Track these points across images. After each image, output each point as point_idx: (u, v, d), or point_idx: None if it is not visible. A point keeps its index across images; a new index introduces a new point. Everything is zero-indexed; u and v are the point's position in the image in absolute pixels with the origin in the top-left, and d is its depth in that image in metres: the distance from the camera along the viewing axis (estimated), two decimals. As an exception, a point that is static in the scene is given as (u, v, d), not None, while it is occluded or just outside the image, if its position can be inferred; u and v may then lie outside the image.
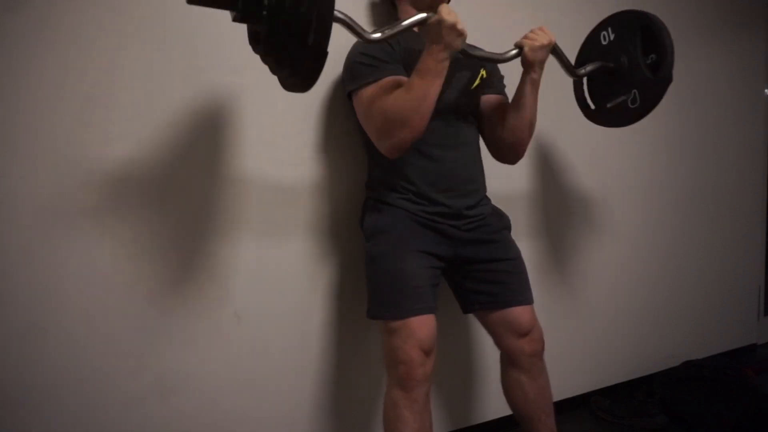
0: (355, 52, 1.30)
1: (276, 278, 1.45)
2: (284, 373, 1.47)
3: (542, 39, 1.28)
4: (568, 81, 1.99)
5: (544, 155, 1.95)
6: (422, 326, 1.23)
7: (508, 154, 1.42)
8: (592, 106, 1.52)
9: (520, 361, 1.36)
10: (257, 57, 1.39)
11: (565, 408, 1.94)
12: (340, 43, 1.38)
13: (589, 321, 2.08)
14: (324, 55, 0.86)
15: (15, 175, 1.15)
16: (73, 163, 1.20)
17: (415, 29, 1.34)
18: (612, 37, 1.43)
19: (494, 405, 1.79)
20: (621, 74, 1.39)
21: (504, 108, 1.39)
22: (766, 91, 2.70)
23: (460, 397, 1.80)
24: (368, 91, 1.24)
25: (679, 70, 2.33)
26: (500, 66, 1.50)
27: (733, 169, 2.54)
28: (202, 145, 1.35)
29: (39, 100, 1.17)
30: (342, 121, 1.52)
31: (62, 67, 1.19)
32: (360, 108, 1.28)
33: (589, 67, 1.43)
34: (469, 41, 1.28)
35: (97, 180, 1.23)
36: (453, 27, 1.12)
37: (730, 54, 2.52)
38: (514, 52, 1.29)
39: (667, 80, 1.35)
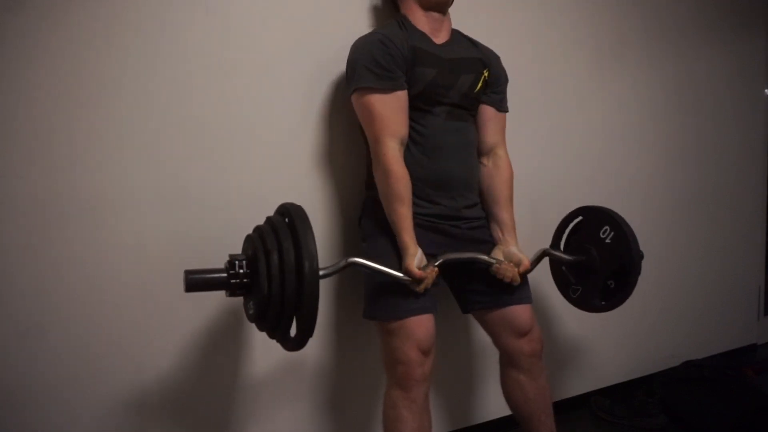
0: (363, 53, 1.28)
1: (276, 278, 1.45)
2: (284, 373, 1.47)
3: (505, 279, 1.31)
4: (569, 82, 2.00)
5: (544, 155, 1.95)
6: (420, 326, 1.23)
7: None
8: (573, 294, 1.58)
9: (520, 361, 1.36)
10: (258, 57, 1.40)
11: (565, 408, 1.94)
12: (339, 44, 1.39)
13: (589, 321, 2.07)
14: (313, 324, 0.95)
15: (15, 175, 1.15)
16: (73, 163, 1.20)
17: (418, 26, 1.34)
18: (585, 229, 1.52)
19: (494, 405, 1.78)
20: (591, 269, 1.46)
21: (498, 119, 1.44)
22: (766, 91, 2.69)
23: (459, 397, 1.80)
24: (371, 99, 1.25)
25: (679, 70, 2.35)
26: (503, 65, 1.50)
27: (733, 170, 2.54)
28: (202, 146, 1.35)
29: (39, 100, 1.17)
30: (342, 121, 1.52)
31: (62, 66, 1.19)
32: (358, 109, 1.29)
33: (564, 257, 1.49)
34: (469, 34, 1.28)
35: (96, 180, 1.23)
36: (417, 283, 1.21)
37: (730, 54, 2.52)
38: (490, 261, 1.32)
39: (640, 259, 1.43)
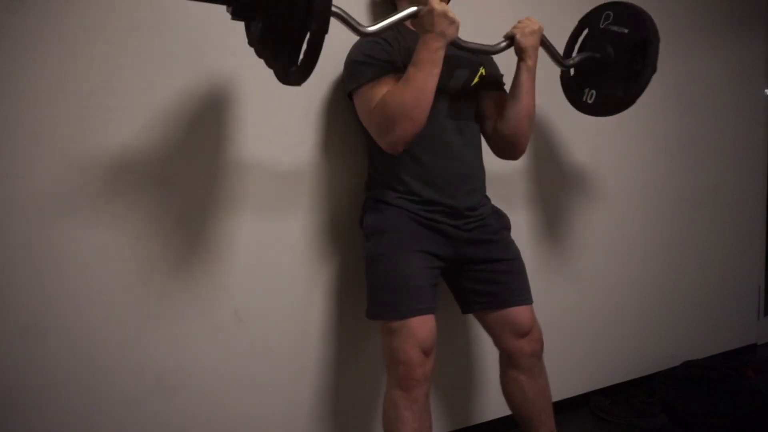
0: (355, 52, 1.30)
1: (276, 278, 1.45)
2: (284, 373, 1.47)
3: (532, 25, 1.32)
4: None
5: (543, 156, 1.95)
6: (422, 326, 1.23)
7: (509, 148, 1.42)
8: (589, 100, 1.53)
9: (520, 361, 1.36)
10: (257, 58, 1.40)
11: (565, 408, 1.94)
12: (339, 44, 1.38)
13: (589, 321, 2.08)
14: (320, 46, 0.86)
15: (15, 175, 1.15)
16: (73, 163, 1.20)
17: (411, 26, 1.34)
18: (609, 21, 1.44)
19: (494, 405, 1.79)
20: (607, 65, 1.40)
21: (503, 102, 1.40)
22: (766, 91, 2.70)
23: (460, 397, 1.80)
24: (368, 89, 1.24)
25: (679, 70, 2.35)
26: (499, 64, 1.51)
27: (733, 170, 2.54)
28: (202, 147, 1.35)
29: (39, 100, 1.17)
30: (342, 121, 1.52)
31: (62, 66, 1.19)
32: (361, 106, 1.28)
33: (576, 58, 1.45)
34: (468, 39, 1.28)
35: (96, 180, 1.23)
36: (444, 14, 1.14)
37: (730, 54, 2.52)
38: (505, 43, 1.32)
39: (652, 71, 1.35)
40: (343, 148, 1.53)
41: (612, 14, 1.39)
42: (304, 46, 0.88)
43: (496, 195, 1.48)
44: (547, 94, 1.93)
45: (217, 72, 1.36)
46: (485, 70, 1.42)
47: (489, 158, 1.47)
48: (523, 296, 1.37)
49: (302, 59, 0.88)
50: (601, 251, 2.11)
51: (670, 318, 2.32)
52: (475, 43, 1.29)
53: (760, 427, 1.76)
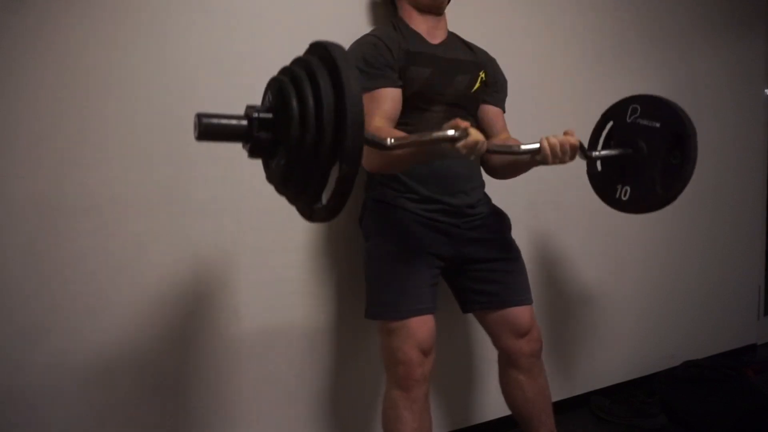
0: (355, 54, 1.29)
1: (276, 278, 1.45)
2: (284, 373, 1.47)
3: (564, 158, 1.17)
4: (569, 82, 2.00)
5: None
6: (421, 326, 1.23)
7: (499, 177, 1.45)
8: (624, 197, 1.39)
9: (519, 361, 1.36)
10: (257, 58, 1.40)
11: (565, 408, 1.94)
12: (339, 41, 1.39)
13: (589, 321, 2.08)
14: (351, 187, 0.76)
15: (15, 175, 1.15)
16: (74, 163, 1.21)
17: (417, 26, 1.34)
18: (637, 115, 1.35)
19: (494, 405, 1.79)
20: (641, 160, 1.30)
21: (498, 120, 1.42)
22: (766, 91, 2.69)
23: (459, 397, 1.80)
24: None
25: (679, 70, 2.35)
26: (504, 65, 1.50)
27: (733, 170, 2.54)
28: (203, 148, 1.35)
29: (39, 100, 1.17)
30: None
31: (62, 66, 1.19)
32: None
33: (604, 153, 1.34)
34: (468, 39, 1.28)
35: (97, 179, 1.23)
36: (480, 149, 1.02)
37: (730, 54, 2.52)
38: (534, 147, 1.18)
39: (693, 164, 1.26)
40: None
41: (639, 108, 1.33)
42: (330, 182, 0.78)
43: (497, 195, 1.48)
44: (544, 90, 1.94)
45: (218, 68, 1.36)
46: (486, 74, 1.41)
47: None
48: (523, 296, 1.36)
49: (331, 198, 0.78)
50: (601, 251, 2.10)
51: (670, 318, 2.32)
52: (504, 145, 1.21)
53: (760, 427, 1.76)
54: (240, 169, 1.40)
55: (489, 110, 1.42)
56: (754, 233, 2.67)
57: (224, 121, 0.76)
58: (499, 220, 1.42)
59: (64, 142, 1.20)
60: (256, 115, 0.77)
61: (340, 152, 0.73)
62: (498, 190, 1.51)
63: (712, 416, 1.83)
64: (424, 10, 1.36)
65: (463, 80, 1.35)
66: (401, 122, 1.28)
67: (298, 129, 0.74)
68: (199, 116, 0.74)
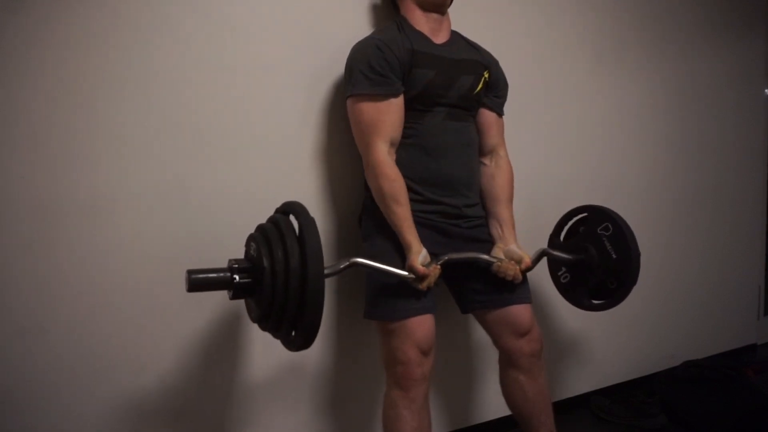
0: (359, 57, 1.29)
1: (276, 278, 1.45)
2: (284, 373, 1.47)
3: (506, 278, 1.30)
4: (570, 82, 2.00)
5: (543, 156, 1.95)
6: (420, 326, 1.23)
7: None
8: (563, 280, 1.63)
9: (519, 361, 1.36)
10: (258, 57, 1.40)
11: (565, 408, 1.94)
12: (340, 44, 1.39)
13: (589, 321, 2.08)
14: (317, 325, 0.94)
15: (15, 175, 1.15)
16: (73, 163, 1.20)
17: (420, 26, 1.35)
18: (602, 231, 1.51)
19: (494, 405, 1.79)
20: (593, 263, 1.47)
21: (497, 127, 1.45)
22: (766, 91, 2.69)
23: (459, 397, 1.80)
24: (361, 102, 1.25)
25: (679, 70, 2.35)
26: (504, 66, 1.50)
27: (733, 169, 2.54)
28: (203, 146, 1.35)
29: (39, 100, 1.17)
30: (342, 120, 1.51)
31: (62, 66, 1.19)
32: (351, 113, 1.30)
33: (557, 253, 1.49)
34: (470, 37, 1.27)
35: (97, 179, 1.23)
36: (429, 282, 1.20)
37: (730, 54, 2.52)
38: (491, 260, 1.31)
39: (620, 299, 1.49)
40: (341, 147, 1.53)
41: (611, 229, 1.46)
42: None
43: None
44: (545, 89, 1.94)
45: (218, 67, 1.36)
46: (489, 75, 1.41)
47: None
48: (523, 296, 1.36)
49: (300, 334, 0.96)
50: (601, 251, 2.10)
51: (670, 318, 2.32)
52: (464, 255, 1.30)
53: (760, 427, 1.76)
54: (240, 170, 1.40)
55: (487, 116, 1.43)
56: (754, 233, 2.67)
57: (210, 275, 0.94)
58: (499, 220, 1.42)
59: (64, 142, 1.19)
60: (236, 272, 0.96)
61: (303, 304, 0.92)
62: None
63: (712, 416, 1.83)
64: (427, 8, 1.36)
65: (467, 81, 1.35)
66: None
67: (270, 280, 0.93)
68: (189, 272, 0.93)
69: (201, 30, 1.34)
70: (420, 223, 1.30)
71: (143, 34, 1.27)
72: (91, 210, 1.22)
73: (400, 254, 1.27)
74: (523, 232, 1.53)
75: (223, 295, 1.36)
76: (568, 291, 1.59)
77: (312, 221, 0.96)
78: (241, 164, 1.40)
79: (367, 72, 1.25)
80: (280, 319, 0.96)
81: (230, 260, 0.98)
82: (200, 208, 1.35)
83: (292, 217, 1.01)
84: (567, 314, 2.01)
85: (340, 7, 1.52)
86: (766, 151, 2.70)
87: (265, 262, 0.93)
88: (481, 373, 1.81)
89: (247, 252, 1.04)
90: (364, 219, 1.38)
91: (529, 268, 1.33)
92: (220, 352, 1.38)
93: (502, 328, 1.36)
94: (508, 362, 1.39)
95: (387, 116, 1.25)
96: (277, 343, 1.45)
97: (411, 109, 1.29)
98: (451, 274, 1.39)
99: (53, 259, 1.19)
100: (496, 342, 1.40)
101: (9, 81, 1.14)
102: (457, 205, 1.33)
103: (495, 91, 1.43)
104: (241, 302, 1.40)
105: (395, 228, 1.25)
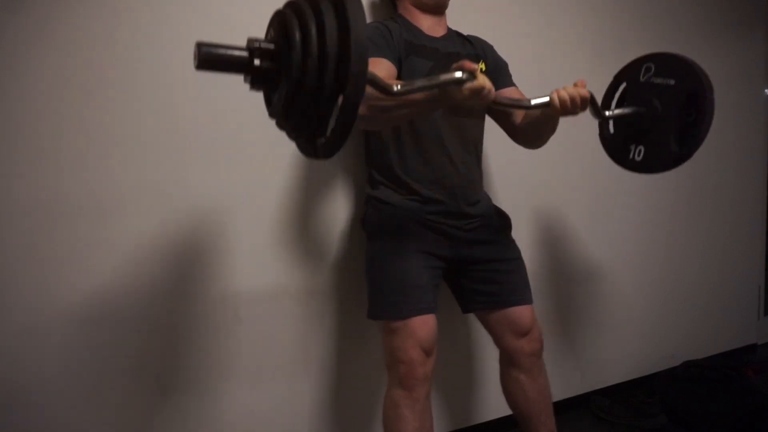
0: None
1: (276, 278, 1.45)
2: (284, 373, 1.47)
3: (574, 110, 1.17)
4: (570, 83, 1.99)
5: (543, 156, 1.95)
6: (423, 326, 1.23)
7: (529, 145, 1.43)
8: (628, 155, 1.41)
9: (520, 361, 1.36)
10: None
11: (565, 408, 1.94)
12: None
13: (589, 321, 2.08)
14: (355, 115, 0.74)
15: (15, 175, 1.15)
16: (73, 162, 1.20)
17: (418, 23, 1.33)
18: (651, 74, 1.33)
19: (494, 405, 1.79)
20: (655, 119, 1.29)
21: (513, 95, 1.39)
22: (766, 91, 2.69)
23: (460, 397, 1.80)
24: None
25: (679, 70, 2.34)
26: (500, 53, 1.49)
27: (733, 169, 2.54)
28: (202, 146, 1.35)
29: (39, 100, 1.17)
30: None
31: (63, 67, 1.19)
32: None
33: (617, 111, 1.33)
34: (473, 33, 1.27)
35: (97, 179, 1.23)
36: (487, 94, 1.00)
37: (730, 54, 2.52)
38: (544, 100, 1.18)
39: (709, 121, 1.29)
40: (344, 148, 1.52)
41: (653, 66, 1.29)
42: (333, 117, 0.76)
43: (497, 195, 1.48)
44: (545, 90, 1.94)
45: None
46: (486, 64, 1.41)
47: (490, 158, 1.47)
48: (524, 296, 1.37)
49: (333, 129, 0.76)
50: (601, 251, 2.10)
51: (670, 318, 2.32)
52: (512, 99, 1.20)
53: (760, 427, 1.76)
54: (240, 169, 1.40)
55: (506, 92, 1.42)
56: (754, 233, 2.67)
57: (225, 51, 0.73)
58: (500, 221, 1.42)
59: (64, 142, 1.19)
60: (257, 44, 0.75)
61: (344, 79, 0.71)
62: (498, 191, 1.51)
63: (712, 416, 1.83)
64: (426, 9, 1.36)
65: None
66: None
67: (300, 56, 0.72)
68: (199, 45, 0.72)
69: (201, 30, 1.34)
70: (421, 223, 1.30)
71: (143, 34, 1.27)
72: (91, 210, 1.22)
73: (403, 255, 1.27)
74: (523, 232, 1.53)
75: (224, 296, 1.38)
76: (648, 161, 1.37)
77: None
78: (242, 163, 1.39)
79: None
80: (306, 114, 0.77)
81: (249, 39, 0.78)
82: (200, 208, 1.35)
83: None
84: (568, 314, 2.01)
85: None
86: (766, 151, 2.70)
87: (296, 36, 0.73)
88: (482, 373, 1.81)
89: (267, 36, 0.83)
90: (367, 218, 1.38)
91: (587, 98, 1.17)
92: (220, 351, 1.38)
93: (503, 328, 1.36)
94: (508, 362, 1.39)
95: (379, 68, 1.18)
96: (277, 343, 1.46)
97: None
98: (453, 273, 1.39)
99: (53, 258, 1.19)
100: (497, 342, 1.40)
101: (9, 81, 1.14)
102: (459, 206, 1.33)
103: (498, 72, 1.44)
104: (241, 302, 1.40)
105: (411, 108, 1.08)
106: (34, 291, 1.17)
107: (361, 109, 1.05)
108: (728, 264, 2.54)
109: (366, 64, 0.71)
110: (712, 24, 2.45)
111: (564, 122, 1.97)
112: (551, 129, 1.33)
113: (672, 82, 1.26)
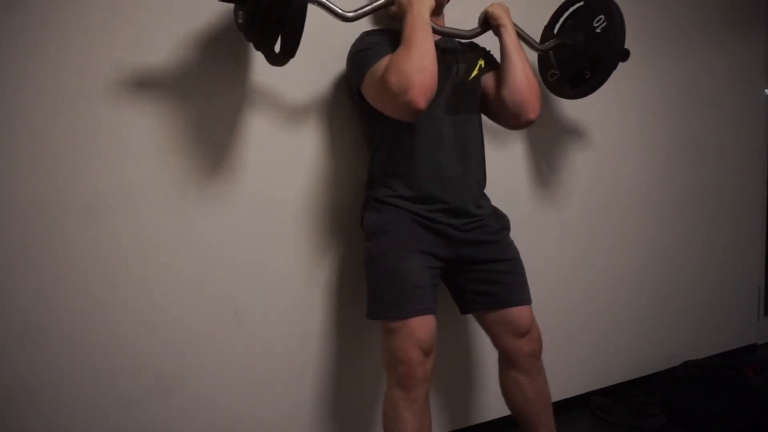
0: (358, 44, 1.32)
1: (276, 278, 1.45)
2: (284, 373, 1.47)
3: (498, 5, 1.39)
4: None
5: (543, 156, 1.95)
6: (422, 326, 1.23)
7: (516, 116, 1.38)
8: (551, 78, 1.69)
9: (519, 361, 1.36)
10: (257, 57, 1.40)
11: (565, 408, 1.94)
12: (340, 43, 1.39)
13: (589, 321, 2.08)
14: (301, 24, 0.94)
15: (15, 174, 1.15)
16: (73, 162, 1.21)
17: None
18: (582, 15, 1.56)
19: (494, 405, 1.79)
20: (578, 50, 1.54)
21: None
22: (766, 91, 2.69)
23: (459, 397, 1.80)
24: (376, 67, 1.22)
25: (679, 70, 2.35)
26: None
27: (733, 169, 2.54)
28: (202, 146, 1.35)
29: (38, 99, 1.17)
30: (343, 120, 1.52)
31: (62, 67, 1.19)
32: (372, 83, 1.23)
33: (549, 44, 1.58)
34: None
35: (96, 179, 1.23)
36: None
37: (730, 54, 2.52)
38: (479, 27, 1.39)
39: (620, 55, 1.49)
40: (343, 147, 1.53)
41: (604, 20, 1.49)
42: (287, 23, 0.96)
43: (496, 195, 1.48)
44: (546, 97, 1.94)
45: (217, 71, 1.36)
46: (484, 62, 1.42)
47: (489, 159, 1.47)
48: (522, 296, 1.36)
49: (284, 38, 0.94)
50: (601, 251, 2.11)
51: (670, 318, 2.32)
52: (451, 28, 1.35)
53: (760, 427, 1.76)
54: (241, 169, 1.40)
55: (494, 73, 1.43)
56: (754, 233, 2.67)
57: None
58: (498, 221, 1.42)
59: (64, 142, 1.20)
60: None
61: (284, 15, 0.89)
62: (498, 190, 1.51)
63: (712, 416, 1.83)
64: None
65: (461, 69, 1.36)
66: None
67: None
68: None
69: (202, 29, 1.34)
70: (420, 223, 1.30)
71: (143, 33, 1.27)
72: (91, 210, 1.22)
73: (402, 255, 1.27)
74: (522, 232, 1.53)
75: (223, 292, 1.38)
76: (555, 86, 1.68)
77: None
78: (242, 164, 1.40)
79: (370, 47, 1.27)
80: (262, 31, 0.96)
81: None
82: (200, 209, 1.35)
83: None
84: (568, 314, 2.01)
85: (340, 3, 1.52)
86: (766, 151, 2.70)
87: None
88: (481, 373, 1.81)
89: None
90: (366, 219, 1.38)
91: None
92: (220, 351, 1.38)
93: (502, 328, 1.36)
94: (507, 362, 1.39)
95: (384, 63, 1.20)
96: (277, 342, 1.46)
97: None
98: (452, 274, 1.39)
99: (53, 259, 1.19)
100: (496, 342, 1.40)
101: (9, 81, 1.14)
102: (457, 206, 1.33)
103: (491, 65, 1.45)
104: (241, 302, 1.40)
105: (406, 38, 1.18)
106: (33, 291, 1.17)
107: (393, 79, 1.13)
108: (728, 264, 2.54)
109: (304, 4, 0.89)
110: (712, 24, 2.45)
111: (564, 122, 1.98)
112: (516, 67, 1.35)
113: (601, 32, 1.48)
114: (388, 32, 1.34)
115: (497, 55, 1.49)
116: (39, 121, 1.17)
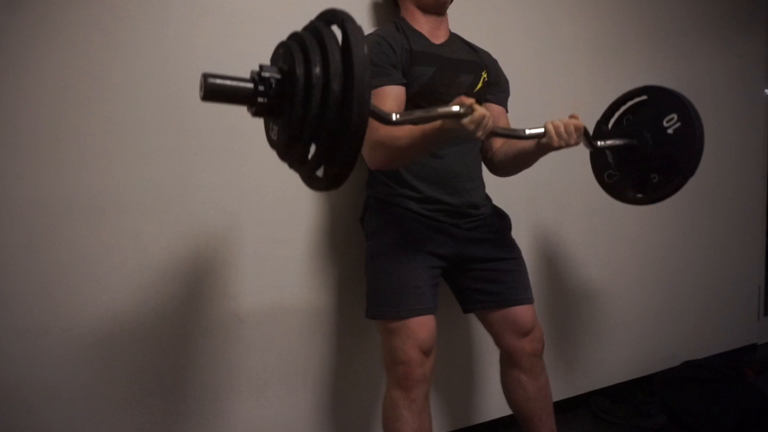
0: None
1: (276, 278, 1.45)
2: (284, 373, 1.47)
3: (569, 140, 1.17)
4: (570, 83, 2.00)
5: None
6: (422, 327, 1.23)
7: (500, 173, 1.44)
8: (608, 180, 1.44)
9: (521, 361, 1.36)
10: (258, 59, 1.40)
11: (565, 408, 1.94)
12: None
13: (589, 321, 2.08)
14: (358, 150, 0.74)
15: (15, 174, 1.15)
16: (73, 163, 1.20)
17: (419, 26, 1.33)
18: (646, 111, 1.35)
19: (494, 405, 1.79)
20: (644, 151, 1.31)
21: (502, 121, 1.40)
22: (766, 91, 2.70)
23: (460, 397, 1.80)
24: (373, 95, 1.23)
25: (679, 70, 2.35)
26: (504, 65, 1.49)
27: (733, 169, 2.54)
28: (202, 146, 1.35)
29: (39, 100, 1.17)
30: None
31: (62, 67, 1.19)
32: None
33: (609, 141, 1.33)
34: (469, 38, 1.27)
35: (97, 180, 1.23)
36: (486, 124, 1.03)
37: (730, 54, 2.52)
38: (539, 131, 1.18)
39: (698, 158, 1.30)
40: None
41: (676, 119, 1.30)
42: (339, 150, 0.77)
43: (498, 194, 1.48)
44: (545, 89, 1.94)
45: (219, 68, 1.36)
46: (488, 75, 1.41)
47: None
48: (525, 295, 1.36)
49: (335, 160, 0.77)
50: (602, 251, 2.11)
51: (670, 318, 2.32)
52: (508, 129, 1.21)
53: (760, 427, 1.76)
54: (241, 170, 1.40)
55: (492, 109, 1.42)
56: (754, 233, 2.68)
57: (230, 83, 0.75)
58: (500, 220, 1.42)
59: (64, 142, 1.19)
60: (264, 74, 0.76)
61: (347, 112, 0.71)
62: (499, 190, 1.51)
63: (712, 416, 1.83)
64: (427, 9, 1.36)
65: (466, 80, 1.35)
66: None
67: (303, 92, 0.73)
68: (205, 76, 0.73)
69: (202, 30, 1.34)
70: (421, 222, 1.30)
71: (144, 33, 1.27)
72: (91, 210, 1.22)
73: (403, 254, 1.27)
74: (524, 231, 1.53)
75: (224, 296, 1.38)
76: (615, 189, 1.43)
77: (360, 30, 0.75)
78: (242, 163, 1.39)
79: (373, 65, 1.24)
80: (306, 148, 0.78)
81: (253, 70, 0.79)
82: (199, 207, 1.35)
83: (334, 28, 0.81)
84: (567, 314, 2.01)
85: (341, 5, 1.52)
86: (766, 151, 2.70)
87: (299, 70, 0.74)
88: (482, 373, 1.81)
89: (274, 61, 0.84)
90: (367, 218, 1.38)
91: (580, 128, 1.17)
92: (220, 351, 1.38)
93: (504, 327, 1.36)
94: (509, 362, 1.39)
95: (387, 99, 1.22)
96: (277, 342, 1.46)
97: (412, 107, 1.29)
98: (454, 273, 1.39)
99: (53, 258, 1.19)
100: (498, 341, 1.40)
101: (9, 81, 1.14)
102: (459, 205, 1.33)
103: (497, 87, 1.43)
104: (241, 302, 1.40)
105: (419, 138, 1.10)
106: (33, 291, 1.17)
107: (379, 153, 1.15)
108: (728, 264, 2.54)
109: (368, 102, 0.72)
110: (712, 24, 2.46)
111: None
112: (529, 164, 1.34)
113: (674, 134, 1.30)
114: (388, 32, 1.32)
115: (499, 52, 1.49)
116: (40, 121, 1.17)
